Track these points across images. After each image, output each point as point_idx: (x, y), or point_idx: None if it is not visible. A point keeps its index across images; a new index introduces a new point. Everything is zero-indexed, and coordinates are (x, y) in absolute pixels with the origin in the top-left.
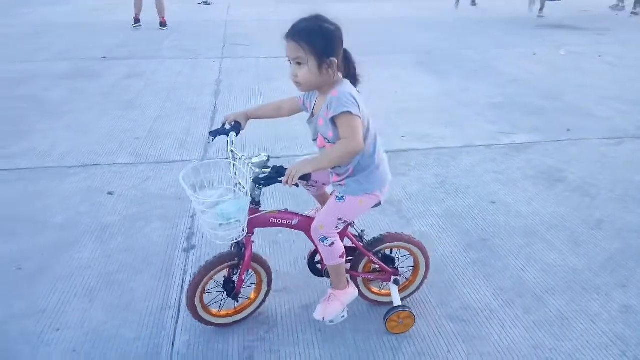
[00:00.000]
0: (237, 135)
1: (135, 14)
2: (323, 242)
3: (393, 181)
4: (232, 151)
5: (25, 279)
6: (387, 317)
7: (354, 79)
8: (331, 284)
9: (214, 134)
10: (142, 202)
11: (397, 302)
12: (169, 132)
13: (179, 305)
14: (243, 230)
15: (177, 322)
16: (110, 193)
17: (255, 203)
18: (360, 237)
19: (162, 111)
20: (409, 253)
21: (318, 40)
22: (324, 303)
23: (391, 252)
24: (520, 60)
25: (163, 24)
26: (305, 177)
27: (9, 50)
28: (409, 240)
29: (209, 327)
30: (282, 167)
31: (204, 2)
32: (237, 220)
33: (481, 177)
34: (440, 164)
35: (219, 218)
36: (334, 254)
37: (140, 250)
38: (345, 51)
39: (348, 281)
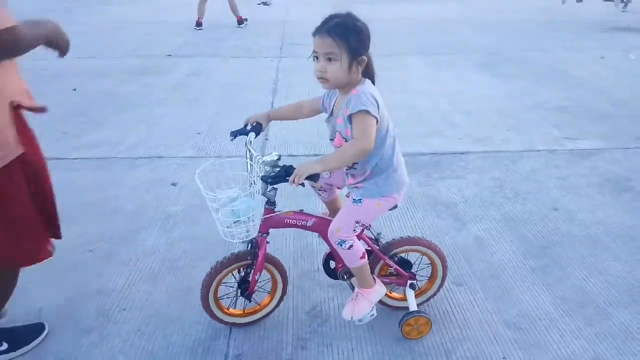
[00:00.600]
0: (256, 136)
1: (198, 18)
2: (341, 245)
3: (449, 183)
4: (249, 150)
5: (97, 261)
6: (402, 322)
7: (373, 80)
8: (357, 283)
9: (235, 134)
10: (201, 194)
11: (413, 307)
12: (228, 127)
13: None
14: (255, 230)
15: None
16: (173, 184)
17: (270, 203)
18: (376, 240)
19: (222, 108)
20: (427, 259)
21: (353, 37)
22: (352, 302)
23: (407, 256)
24: (589, 64)
25: (240, 22)
26: (313, 178)
27: (89, 46)
28: (426, 244)
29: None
30: (291, 166)
31: (263, 3)
32: (248, 219)
33: (543, 182)
34: (500, 168)
35: (231, 216)
36: (354, 256)
37: (202, 240)
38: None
39: (375, 279)
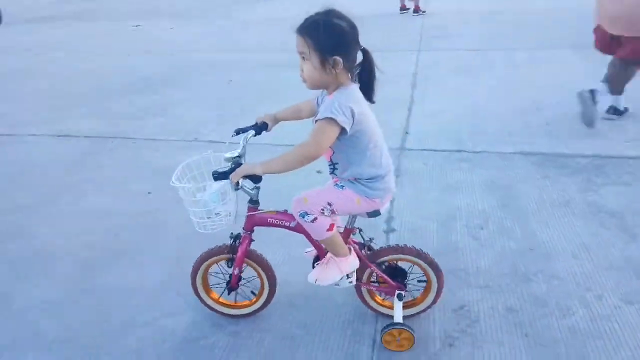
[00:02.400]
0: (256, 134)
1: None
2: (303, 217)
3: (615, 190)
4: (243, 147)
5: None
6: (384, 331)
7: (367, 86)
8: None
9: (238, 131)
10: None
11: (398, 318)
12: None
13: (377, 282)
14: (223, 224)
15: None
16: (318, 172)
17: (253, 202)
18: (364, 246)
19: None
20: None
21: (323, 36)
22: (321, 266)
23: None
24: None
25: (416, 10)
26: (253, 179)
27: (246, 40)
28: (415, 254)
29: None
30: (240, 165)
31: None
32: (210, 210)
33: None
34: None
35: (200, 205)
36: (320, 229)
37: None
38: (365, 54)
39: (350, 250)
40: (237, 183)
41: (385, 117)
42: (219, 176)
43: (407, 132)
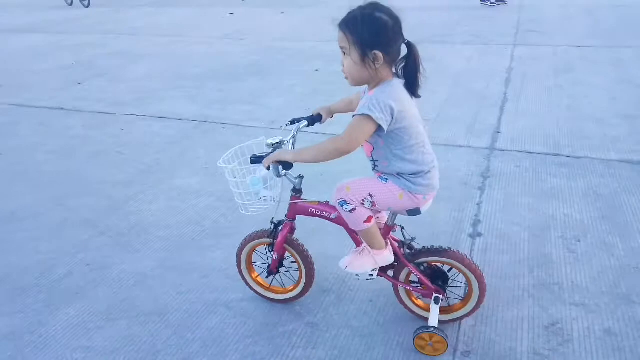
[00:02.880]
0: (309, 125)
1: None
2: (342, 206)
3: None
4: (293, 136)
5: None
6: (417, 333)
7: (411, 81)
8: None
9: (293, 121)
10: None
11: (433, 321)
12: (457, 117)
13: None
14: (265, 207)
15: None
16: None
17: (297, 191)
18: (404, 244)
19: (451, 96)
20: (464, 276)
21: (363, 30)
22: (355, 254)
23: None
24: None
25: None
26: (285, 165)
27: (332, 30)
28: (456, 258)
29: (498, 321)
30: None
31: None
32: (256, 194)
33: None
34: None
35: (243, 188)
36: (357, 220)
37: (429, 227)
38: (411, 48)
39: (387, 244)
40: (278, 170)
41: (474, 114)
42: (254, 160)
43: (498, 132)
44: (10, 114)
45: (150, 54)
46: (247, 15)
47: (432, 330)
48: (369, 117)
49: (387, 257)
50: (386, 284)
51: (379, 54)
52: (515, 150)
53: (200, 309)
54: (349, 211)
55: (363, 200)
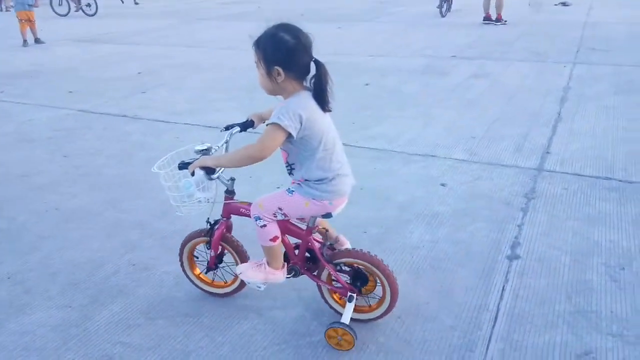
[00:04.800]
0: (241, 131)
1: (486, 13)
2: (256, 220)
3: None
4: (225, 141)
5: (369, 243)
6: (329, 327)
7: (319, 96)
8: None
9: (227, 127)
10: (470, 199)
11: (346, 318)
12: (506, 135)
13: (497, 311)
14: (197, 208)
15: (493, 328)
16: (443, 184)
17: (229, 192)
18: (324, 245)
19: (502, 113)
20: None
21: (266, 48)
22: (254, 264)
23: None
24: None
25: (498, 20)
26: (208, 171)
27: (383, 45)
28: (370, 261)
29: (529, 346)
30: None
31: (561, 3)
32: (189, 196)
33: None
34: None
35: (177, 191)
36: (265, 236)
37: (464, 245)
38: (318, 65)
39: (283, 266)
40: (209, 173)
41: (524, 133)
42: (182, 166)
43: (548, 152)
44: (78, 119)
45: (212, 65)
46: (305, 30)
47: (341, 326)
48: (278, 125)
49: (278, 277)
50: (415, 303)
51: (280, 70)
52: (564, 172)
53: (233, 313)
54: (261, 226)
55: (275, 214)
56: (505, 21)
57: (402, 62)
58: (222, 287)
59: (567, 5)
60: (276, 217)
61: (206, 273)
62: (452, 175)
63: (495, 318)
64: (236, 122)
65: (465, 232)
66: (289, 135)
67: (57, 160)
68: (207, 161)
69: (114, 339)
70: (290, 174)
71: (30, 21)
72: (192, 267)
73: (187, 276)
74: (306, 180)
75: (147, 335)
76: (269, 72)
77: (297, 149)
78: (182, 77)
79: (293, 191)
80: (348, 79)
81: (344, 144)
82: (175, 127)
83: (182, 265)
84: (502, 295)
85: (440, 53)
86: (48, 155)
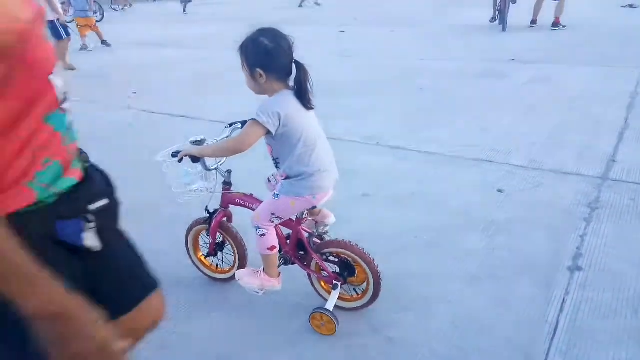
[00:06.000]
0: (242, 127)
1: (534, 17)
2: (256, 230)
3: None
4: (227, 136)
5: (420, 247)
6: (313, 312)
7: (300, 95)
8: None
9: (231, 124)
10: (530, 207)
11: (330, 304)
12: (569, 141)
13: (557, 324)
14: (196, 195)
15: (551, 341)
16: (500, 191)
17: (226, 183)
18: (312, 235)
19: (564, 119)
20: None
21: (248, 52)
22: (252, 271)
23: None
24: None
25: (557, 24)
26: (193, 159)
27: (441, 47)
28: (355, 252)
29: None
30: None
31: (629, 5)
32: (187, 184)
33: None
34: None
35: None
36: (263, 245)
37: (522, 254)
38: (298, 67)
39: (279, 274)
40: (205, 164)
41: (588, 140)
42: (174, 154)
43: (613, 160)
44: (141, 118)
45: None
46: (357, 33)
47: (324, 311)
48: (256, 121)
49: (274, 285)
50: (470, 311)
51: (262, 72)
52: (632, 182)
53: (285, 310)
54: (260, 235)
55: (271, 220)
56: (564, 26)
57: (457, 65)
58: (222, 272)
59: (635, 8)
60: (273, 222)
61: (206, 257)
62: (510, 182)
63: (555, 331)
64: (239, 120)
65: (523, 240)
66: (268, 132)
67: (121, 157)
68: (193, 150)
69: (169, 329)
70: (277, 167)
71: (90, 27)
72: (197, 251)
73: (191, 259)
74: (288, 177)
75: (205, 326)
76: (252, 74)
77: (278, 144)
78: (236, 80)
79: (278, 194)
80: (402, 83)
81: (397, 147)
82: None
83: (187, 249)
84: (562, 307)
85: (498, 56)
86: (114, 151)
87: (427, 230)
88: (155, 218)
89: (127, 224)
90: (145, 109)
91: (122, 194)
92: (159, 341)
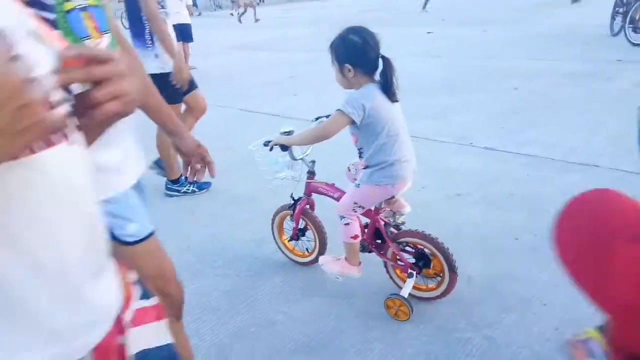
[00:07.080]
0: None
1: None
2: (341, 219)
3: None
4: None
5: (522, 250)
6: (389, 297)
7: (385, 88)
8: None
9: (316, 118)
10: None
11: (405, 292)
12: None
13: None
14: (283, 183)
15: None
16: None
17: (311, 173)
18: (389, 225)
19: None
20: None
21: (338, 48)
22: (334, 258)
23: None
24: None
25: None
26: (282, 147)
27: (530, 48)
28: (432, 243)
29: None
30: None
31: None
32: (275, 172)
33: None
34: None
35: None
36: (347, 233)
37: None
38: (385, 62)
39: (360, 262)
40: (292, 154)
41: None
42: (265, 143)
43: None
44: (239, 117)
45: None
46: (446, 34)
47: (399, 297)
48: (342, 112)
49: (353, 272)
50: (575, 317)
51: (350, 67)
52: None
53: (382, 300)
54: (345, 224)
55: (354, 209)
56: None
57: (554, 65)
58: (303, 256)
59: None
60: (356, 211)
61: (289, 241)
62: (619, 188)
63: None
64: (323, 115)
65: None
66: (353, 122)
67: (223, 151)
68: (282, 139)
69: (275, 308)
70: (360, 156)
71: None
72: (281, 235)
73: (276, 242)
74: (368, 166)
75: (304, 309)
76: (341, 70)
77: (362, 134)
78: (325, 82)
79: (359, 184)
80: (495, 83)
81: (491, 148)
82: None
83: (272, 233)
84: None
85: (603, 56)
86: (218, 146)
87: (528, 232)
88: (254, 207)
89: (236, 213)
90: (243, 108)
91: (232, 185)
92: (267, 320)
